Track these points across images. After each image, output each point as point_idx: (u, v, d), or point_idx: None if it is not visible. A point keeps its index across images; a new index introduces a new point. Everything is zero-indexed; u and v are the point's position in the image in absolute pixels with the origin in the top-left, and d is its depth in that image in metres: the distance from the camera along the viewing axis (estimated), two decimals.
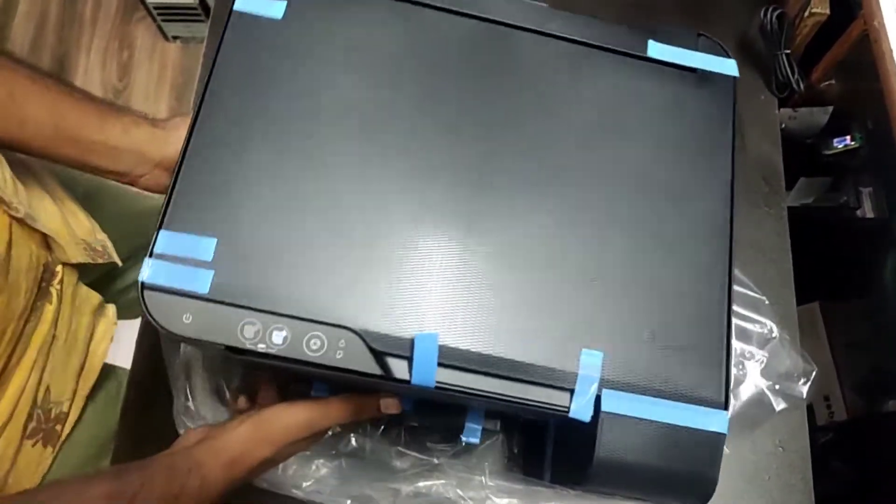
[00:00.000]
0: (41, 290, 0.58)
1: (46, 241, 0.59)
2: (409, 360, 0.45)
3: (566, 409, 0.46)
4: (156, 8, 1.57)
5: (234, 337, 0.44)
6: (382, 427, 0.63)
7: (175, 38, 1.68)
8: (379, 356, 0.45)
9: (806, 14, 0.78)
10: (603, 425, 0.46)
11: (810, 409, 0.69)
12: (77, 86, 0.58)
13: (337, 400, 0.53)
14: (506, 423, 0.63)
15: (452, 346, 0.45)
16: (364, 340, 0.45)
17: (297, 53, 0.51)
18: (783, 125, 0.83)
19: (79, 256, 0.62)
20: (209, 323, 0.44)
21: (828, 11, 0.78)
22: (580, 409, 0.46)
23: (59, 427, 0.62)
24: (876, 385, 0.88)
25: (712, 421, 0.47)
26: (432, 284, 0.47)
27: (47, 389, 0.60)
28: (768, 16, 0.80)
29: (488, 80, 0.53)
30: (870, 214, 0.87)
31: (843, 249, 0.94)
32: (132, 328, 0.68)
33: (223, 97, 0.49)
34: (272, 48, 0.51)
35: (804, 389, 0.63)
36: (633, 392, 0.47)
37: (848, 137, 0.85)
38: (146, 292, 0.44)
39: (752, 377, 0.63)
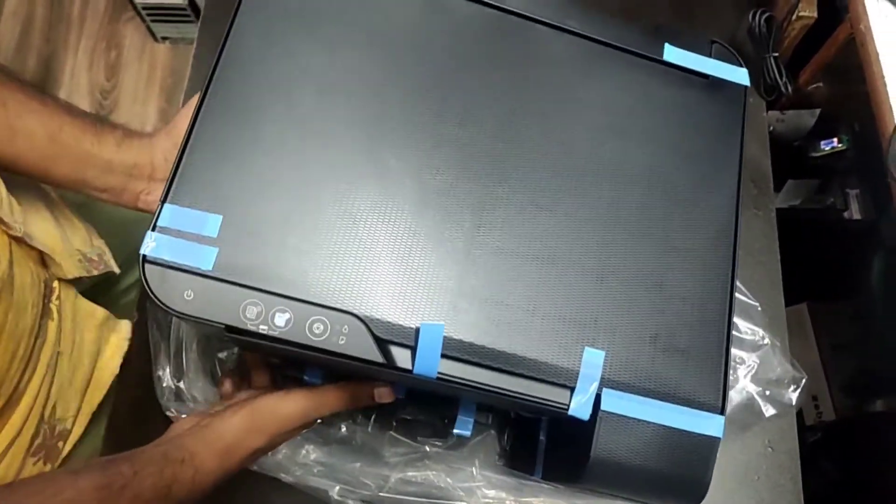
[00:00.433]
0: (44, 308, 0.57)
1: (43, 258, 0.59)
2: (413, 349, 0.45)
3: (566, 407, 0.46)
4: (144, 8, 1.56)
5: (236, 317, 0.43)
6: (374, 416, 0.63)
7: (164, 38, 1.67)
8: (382, 344, 0.44)
9: (794, 17, 0.79)
10: (601, 424, 0.46)
11: (799, 410, 0.70)
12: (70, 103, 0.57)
13: (332, 389, 0.52)
14: (497, 417, 0.63)
15: (456, 337, 0.45)
16: (368, 327, 0.44)
17: (311, 32, 0.50)
18: (771, 128, 0.84)
19: (74, 271, 0.61)
20: (211, 301, 0.43)
21: (815, 15, 0.79)
22: (580, 408, 0.46)
23: (60, 444, 0.61)
24: (863, 385, 0.88)
25: (709, 425, 0.47)
26: (439, 274, 0.46)
27: (54, 406, 0.59)
28: (756, 19, 0.81)
29: (503, 70, 0.52)
30: (857, 216, 0.88)
31: (830, 251, 0.95)
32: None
33: (235, 72, 0.48)
34: (286, 25, 0.50)
35: (793, 396, 0.63)
36: (632, 392, 0.47)
37: (835, 140, 0.86)
38: (147, 266, 0.43)
39: (742, 382, 0.63)
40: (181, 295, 0.43)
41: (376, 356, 0.44)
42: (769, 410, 0.63)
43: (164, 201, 0.44)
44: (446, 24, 0.53)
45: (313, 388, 0.52)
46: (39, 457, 0.59)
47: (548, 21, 0.54)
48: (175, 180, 0.45)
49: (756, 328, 0.66)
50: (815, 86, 0.87)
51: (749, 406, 0.63)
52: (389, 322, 0.45)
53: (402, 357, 0.45)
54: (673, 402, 0.47)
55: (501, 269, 0.47)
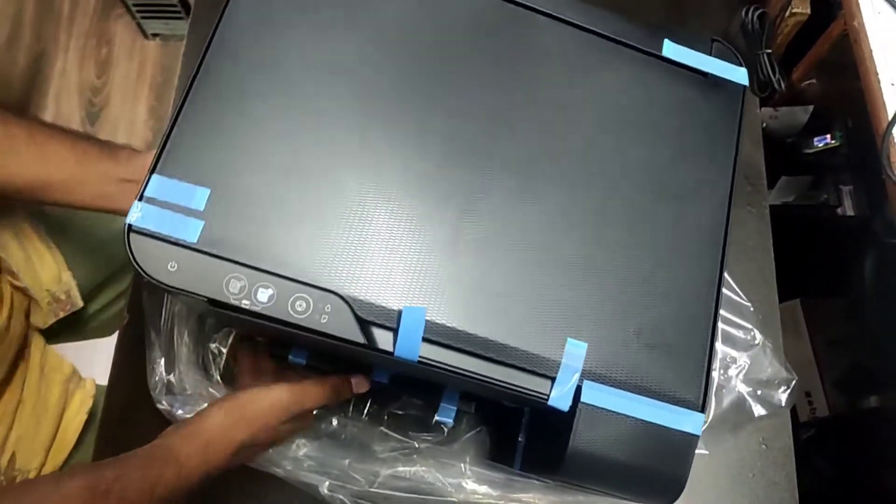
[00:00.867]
0: (17, 358, 0.57)
1: (30, 306, 0.58)
2: (395, 331, 0.45)
3: (546, 397, 0.46)
4: (135, 5, 1.55)
5: (219, 290, 0.43)
6: (365, 411, 0.63)
7: (155, 35, 1.66)
8: (364, 324, 0.44)
9: (787, 14, 0.79)
10: (581, 416, 0.46)
11: (792, 407, 0.71)
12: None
13: (312, 382, 0.53)
14: (484, 410, 0.63)
15: (439, 322, 0.45)
16: (350, 307, 0.44)
17: (304, 14, 0.50)
18: (764, 124, 0.84)
19: (47, 319, 0.61)
20: (194, 274, 0.43)
21: (808, 11, 0.78)
22: (560, 398, 0.46)
23: None
24: (857, 381, 0.89)
25: (687, 422, 0.47)
26: (424, 259, 0.46)
27: (12, 456, 0.58)
28: (749, 15, 0.80)
29: (499, 59, 0.52)
30: (850, 212, 0.88)
31: (823, 247, 0.95)
32: (109, 344, 0.67)
33: (228, 50, 0.48)
34: (279, 7, 0.50)
35: (783, 398, 0.63)
36: (613, 386, 0.47)
37: (828, 136, 0.86)
38: (132, 235, 0.43)
39: (733, 382, 0.63)
40: (165, 266, 0.43)
41: (358, 336, 0.44)
42: (759, 411, 0.63)
43: (152, 171, 0.44)
44: (445, 13, 0.53)
45: (295, 382, 0.53)
46: None
47: (546, 11, 0.54)
48: (164, 151, 0.45)
49: (749, 326, 0.66)
50: (808, 82, 0.87)
51: (740, 405, 0.63)
52: (372, 303, 0.45)
53: (383, 339, 0.45)
54: (653, 398, 0.47)
55: (487, 256, 0.47)
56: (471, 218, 0.48)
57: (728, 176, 0.54)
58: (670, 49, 0.55)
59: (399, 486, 0.59)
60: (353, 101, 0.49)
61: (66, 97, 1.63)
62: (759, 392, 0.64)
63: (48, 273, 0.64)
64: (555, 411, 0.46)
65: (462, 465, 0.60)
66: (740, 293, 0.67)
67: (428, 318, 0.45)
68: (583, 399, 0.46)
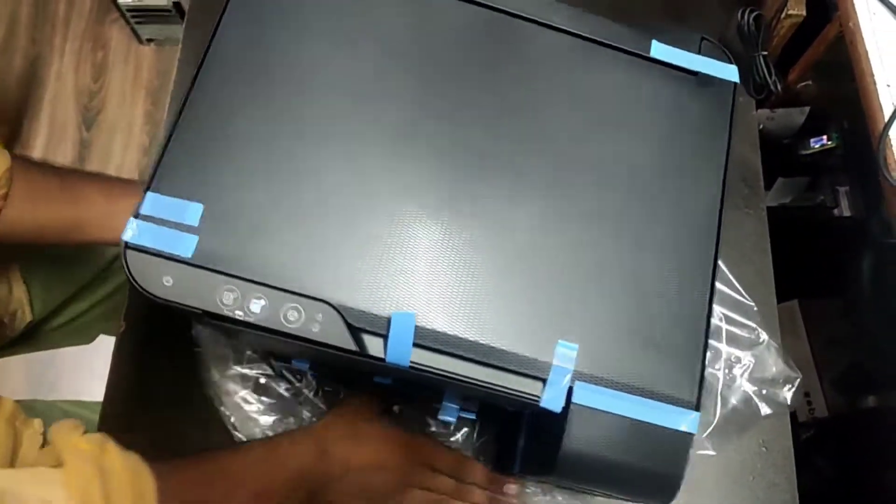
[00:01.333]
0: None
1: None
2: (385, 338, 0.45)
3: (538, 399, 0.46)
4: (128, 10, 1.55)
5: (213, 303, 0.44)
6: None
7: (149, 40, 1.66)
8: (355, 332, 0.45)
9: (783, 15, 0.79)
10: (573, 417, 0.46)
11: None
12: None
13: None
14: (488, 418, 0.63)
15: (429, 327, 0.46)
16: (342, 315, 0.45)
17: (298, 27, 0.51)
18: (761, 126, 0.84)
19: None
20: (189, 287, 0.44)
21: (804, 13, 0.79)
22: (551, 399, 0.46)
23: None
24: (855, 381, 0.89)
25: (682, 420, 0.47)
26: (413, 265, 0.47)
27: None
28: (745, 17, 0.81)
29: (487, 66, 0.53)
30: (846, 213, 0.89)
31: (820, 248, 0.95)
32: (95, 351, 0.66)
33: (221, 67, 0.49)
34: (274, 19, 0.51)
35: (788, 396, 0.63)
36: (605, 386, 0.47)
37: (825, 137, 0.86)
38: (129, 252, 0.45)
39: (738, 381, 0.63)
40: (160, 280, 0.44)
41: (349, 344, 0.45)
42: (765, 410, 0.63)
43: (146, 189, 0.46)
44: (433, 22, 0.53)
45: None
46: None
47: (534, 18, 0.54)
48: (158, 169, 0.46)
49: (753, 325, 0.66)
50: (804, 84, 0.87)
51: (746, 405, 0.63)
52: (363, 311, 0.45)
53: (374, 345, 0.45)
54: (647, 397, 0.47)
55: (477, 260, 0.48)
56: (460, 223, 0.48)
57: (720, 172, 0.54)
58: (658, 49, 0.56)
59: None
60: (343, 115, 0.49)
61: (63, 101, 1.63)
62: (764, 391, 0.64)
63: None
64: (549, 413, 0.46)
65: None
66: (743, 292, 0.67)
67: (418, 324, 0.45)
68: (574, 400, 0.46)
